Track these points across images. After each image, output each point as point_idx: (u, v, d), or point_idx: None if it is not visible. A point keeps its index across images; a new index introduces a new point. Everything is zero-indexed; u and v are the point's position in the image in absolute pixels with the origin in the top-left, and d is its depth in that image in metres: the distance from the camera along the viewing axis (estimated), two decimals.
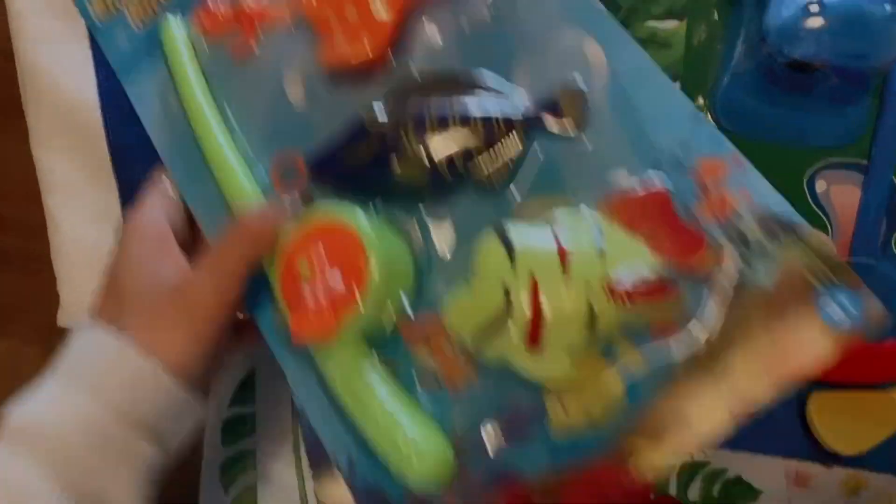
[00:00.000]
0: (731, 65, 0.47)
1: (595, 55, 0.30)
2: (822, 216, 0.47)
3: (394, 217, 0.31)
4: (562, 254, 0.26)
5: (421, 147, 0.29)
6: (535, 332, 0.26)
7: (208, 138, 0.35)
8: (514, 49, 0.31)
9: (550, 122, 0.29)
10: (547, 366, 0.26)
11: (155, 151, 0.37)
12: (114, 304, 0.32)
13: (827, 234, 0.46)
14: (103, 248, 0.38)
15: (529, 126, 0.29)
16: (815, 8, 0.40)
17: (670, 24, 0.48)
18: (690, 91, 0.47)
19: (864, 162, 0.47)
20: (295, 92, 0.35)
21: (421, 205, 0.30)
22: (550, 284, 0.26)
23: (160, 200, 0.35)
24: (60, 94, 0.42)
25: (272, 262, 0.32)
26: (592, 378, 0.26)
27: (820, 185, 0.47)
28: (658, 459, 0.25)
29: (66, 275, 0.42)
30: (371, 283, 0.28)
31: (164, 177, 0.36)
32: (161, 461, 0.32)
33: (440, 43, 0.32)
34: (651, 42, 0.48)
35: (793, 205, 0.28)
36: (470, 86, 0.30)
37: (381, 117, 0.30)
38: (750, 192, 0.27)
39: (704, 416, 0.25)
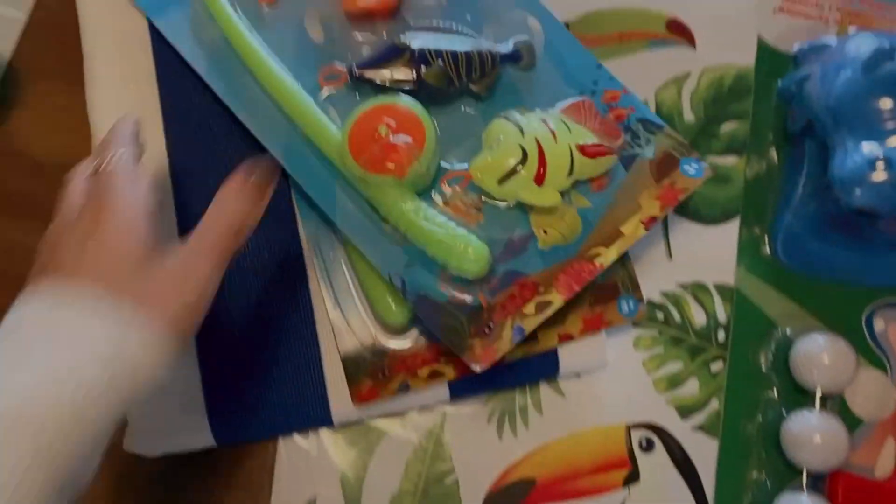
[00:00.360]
0: (793, 204, 0.45)
1: (535, 26, 0.45)
2: (881, 354, 0.45)
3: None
4: (550, 130, 0.41)
5: (440, 61, 0.42)
6: (540, 177, 0.41)
7: (257, 63, 0.43)
8: (480, 18, 0.45)
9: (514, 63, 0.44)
10: (546, 196, 0.41)
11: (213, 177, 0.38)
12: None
13: (886, 371, 0.44)
14: (175, 374, 0.37)
15: (502, 61, 0.43)
16: (880, 163, 0.39)
17: (730, 160, 0.47)
18: (749, 222, 0.46)
19: None
20: (314, 32, 0.44)
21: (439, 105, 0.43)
22: (548, 146, 0.41)
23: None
24: None
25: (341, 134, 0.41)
26: (561, 211, 0.42)
27: (878, 324, 0.45)
28: (606, 255, 0.41)
29: None
30: (427, 144, 0.40)
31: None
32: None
33: (428, 5, 0.45)
34: (712, 177, 0.45)
35: (852, 342, 0.43)
36: (461, 35, 0.44)
37: (413, 43, 0.42)
38: (634, 107, 0.44)
39: (628, 229, 0.41)
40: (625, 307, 0.44)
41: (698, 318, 0.45)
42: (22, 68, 0.47)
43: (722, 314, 0.45)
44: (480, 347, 0.40)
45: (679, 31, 0.48)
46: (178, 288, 0.32)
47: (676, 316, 0.45)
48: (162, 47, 0.44)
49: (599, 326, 0.43)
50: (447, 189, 0.42)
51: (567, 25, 0.47)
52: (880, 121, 0.41)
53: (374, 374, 0.42)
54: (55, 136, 0.45)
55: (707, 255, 0.46)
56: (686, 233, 0.46)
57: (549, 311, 0.40)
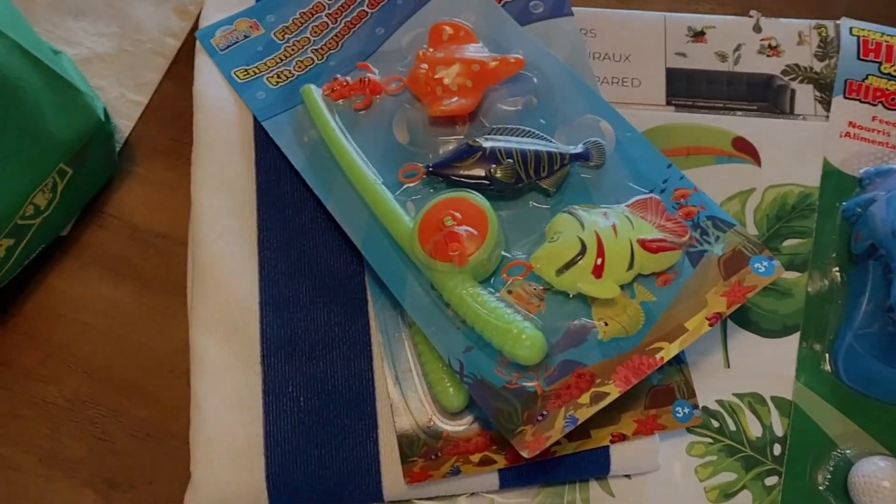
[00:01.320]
0: (855, 323, 0.45)
1: (606, 129, 0.48)
2: None
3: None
4: (612, 224, 0.43)
5: (510, 160, 0.45)
6: (599, 269, 0.42)
7: (344, 156, 0.48)
8: (554, 122, 0.48)
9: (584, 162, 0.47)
10: (604, 289, 0.42)
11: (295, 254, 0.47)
12: None
13: None
14: (240, 434, 0.43)
15: (572, 160, 0.46)
16: None
17: (792, 276, 0.48)
18: (809, 339, 0.46)
19: None
20: (401, 133, 0.49)
21: (507, 200, 0.46)
22: (608, 239, 0.43)
23: None
24: (226, 291, 0.46)
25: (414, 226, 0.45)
26: (623, 304, 0.43)
27: None
28: (668, 349, 0.42)
29: (202, 455, 0.43)
30: (490, 236, 0.43)
31: None
32: None
33: (504, 111, 0.49)
34: (773, 290, 0.47)
35: None
36: (534, 136, 0.47)
37: (485, 143, 0.46)
38: (704, 205, 0.45)
39: (692, 324, 0.42)
40: (680, 412, 0.44)
41: (754, 429, 0.45)
42: (138, 144, 0.52)
43: (779, 428, 0.45)
44: (531, 434, 0.40)
45: (745, 150, 0.50)
46: None
47: (732, 425, 0.45)
48: (264, 142, 0.49)
49: (653, 430, 0.43)
50: (509, 278, 0.44)
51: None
52: None
53: (426, 455, 0.43)
54: (158, 209, 0.50)
55: (765, 367, 0.46)
56: (745, 343, 0.47)
57: (604, 403, 0.41)
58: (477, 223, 0.43)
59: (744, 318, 0.47)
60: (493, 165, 0.45)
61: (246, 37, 0.53)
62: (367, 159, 0.48)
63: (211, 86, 0.50)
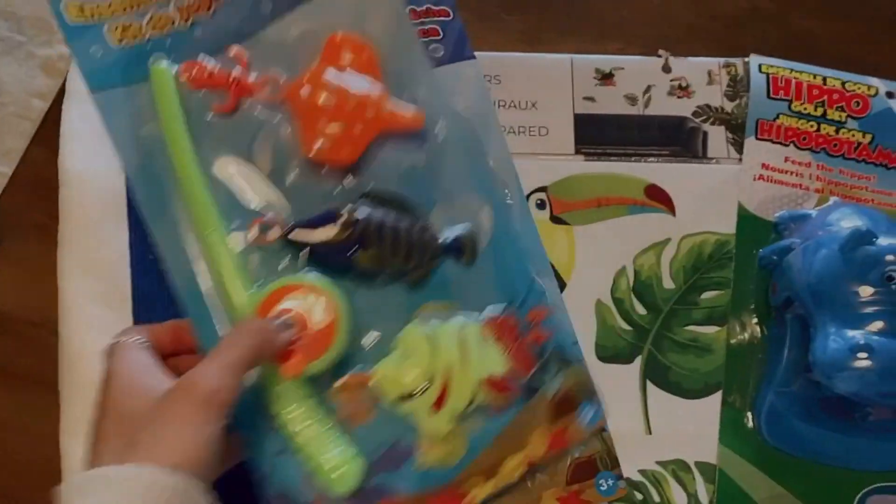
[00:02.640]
0: (776, 381, 0.44)
1: (487, 219, 0.44)
2: None
3: (349, 292, 0.40)
4: (463, 355, 0.40)
5: (378, 247, 0.40)
6: (439, 403, 0.40)
7: (187, 173, 0.40)
8: (435, 194, 0.43)
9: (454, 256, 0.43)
10: (439, 424, 0.40)
11: None
12: (119, 439, 0.33)
13: None
14: None
15: (443, 253, 0.42)
16: (863, 352, 0.38)
17: (711, 330, 0.46)
18: (732, 399, 0.45)
19: None
20: (262, 160, 0.41)
21: (366, 285, 0.41)
22: (456, 376, 0.40)
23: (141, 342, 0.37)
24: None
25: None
26: (450, 434, 0.41)
27: None
28: (482, 489, 0.41)
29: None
30: (334, 347, 0.39)
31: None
32: None
33: (389, 169, 0.43)
34: (692, 347, 0.46)
35: None
36: (411, 212, 0.42)
37: (356, 215, 0.40)
38: (554, 331, 0.43)
39: (509, 466, 0.41)
40: (604, 485, 0.42)
41: (679, 499, 0.43)
42: (4, 220, 0.47)
43: (704, 495, 0.43)
44: None
45: (658, 198, 0.48)
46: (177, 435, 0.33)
47: (656, 496, 0.43)
48: (136, 215, 0.43)
49: (564, 442, 0.42)
50: (343, 381, 0.40)
51: (545, 189, 0.48)
52: (860, 305, 0.40)
53: None
54: (27, 293, 0.45)
55: (688, 430, 0.44)
56: (666, 406, 0.44)
57: None
58: (324, 326, 0.39)
59: (663, 379, 0.45)
60: (360, 249, 0.40)
61: None
62: (215, 186, 0.40)
63: (77, 155, 0.45)
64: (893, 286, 0.40)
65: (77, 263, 0.43)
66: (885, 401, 0.40)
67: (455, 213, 0.43)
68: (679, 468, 0.44)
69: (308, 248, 0.40)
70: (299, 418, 0.38)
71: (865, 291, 0.40)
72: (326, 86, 0.41)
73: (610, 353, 0.45)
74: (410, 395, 0.40)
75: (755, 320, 0.46)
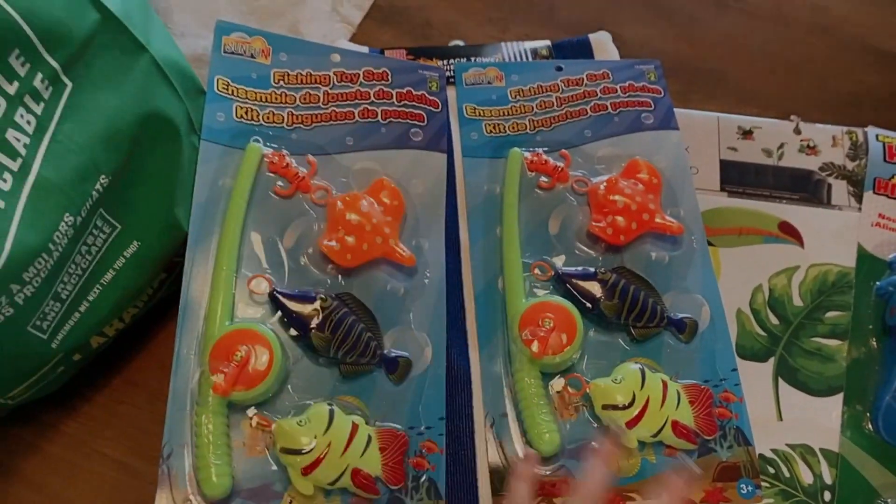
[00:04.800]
0: (892, 387, 0.52)
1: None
2: None
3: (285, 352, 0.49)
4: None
5: (331, 334, 0.48)
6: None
7: (233, 221, 0.50)
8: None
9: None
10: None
11: None
12: None
13: None
14: None
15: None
16: None
17: (834, 343, 0.55)
18: (852, 400, 0.52)
19: None
20: (288, 238, 0.52)
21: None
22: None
23: None
24: None
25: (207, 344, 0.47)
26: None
27: None
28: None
29: None
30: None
31: None
32: None
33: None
34: (817, 355, 0.54)
35: None
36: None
37: (329, 302, 0.49)
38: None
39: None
40: (744, 489, 0.48)
41: (806, 477, 0.50)
42: None
43: (828, 476, 0.50)
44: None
45: (789, 232, 0.58)
46: None
47: (786, 472, 0.50)
48: None
49: (719, 501, 0.48)
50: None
51: None
52: None
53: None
54: None
55: (814, 422, 0.52)
56: (795, 400, 0.52)
57: None
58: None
59: (793, 378, 0.53)
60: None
61: (252, 56, 0.55)
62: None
63: None
64: None
65: None
66: None
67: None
68: (806, 451, 0.51)
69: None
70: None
71: None
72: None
73: (748, 353, 0.54)
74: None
75: (873, 339, 0.54)
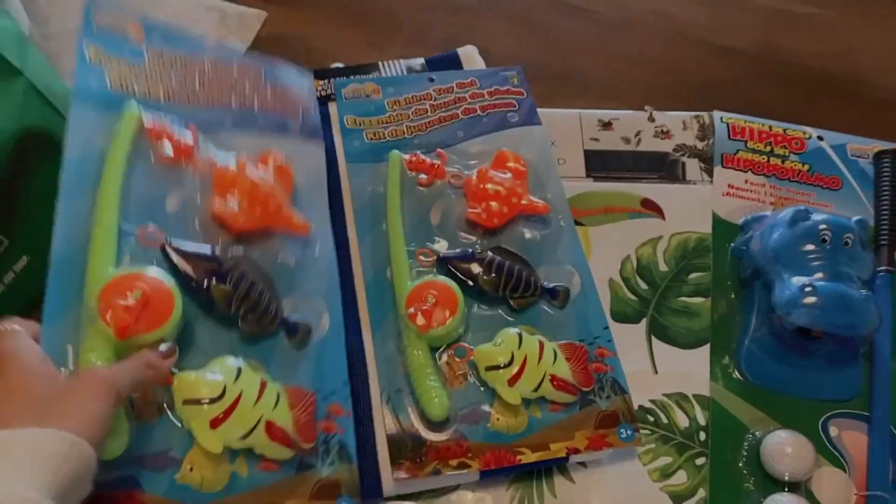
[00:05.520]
0: (750, 331, 0.57)
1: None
2: (839, 456, 0.53)
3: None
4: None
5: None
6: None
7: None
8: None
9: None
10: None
11: None
12: (31, 413, 0.37)
13: (844, 471, 0.53)
14: None
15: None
16: (808, 289, 0.52)
17: (698, 300, 0.60)
18: (718, 350, 0.58)
19: (866, 413, 0.55)
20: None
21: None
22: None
23: (26, 332, 0.42)
24: None
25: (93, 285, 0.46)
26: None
27: (833, 431, 0.55)
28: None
29: None
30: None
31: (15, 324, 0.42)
32: None
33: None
34: (684, 312, 0.59)
35: (815, 445, 0.53)
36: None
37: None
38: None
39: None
40: (623, 433, 0.52)
41: (682, 421, 0.55)
42: None
43: (701, 419, 0.55)
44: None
45: (651, 207, 0.64)
46: (83, 408, 0.39)
47: (664, 419, 0.55)
48: None
49: (602, 446, 0.52)
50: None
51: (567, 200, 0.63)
52: (806, 261, 0.54)
53: (413, 458, 0.51)
54: None
55: (686, 372, 0.57)
56: (668, 354, 0.57)
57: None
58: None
59: (664, 335, 0.58)
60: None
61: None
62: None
63: None
64: (827, 245, 0.54)
65: None
66: (831, 329, 0.53)
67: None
68: (681, 399, 0.56)
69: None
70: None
71: (808, 249, 0.54)
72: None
73: (622, 317, 0.59)
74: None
75: (732, 293, 0.60)
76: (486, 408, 0.52)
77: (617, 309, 0.59)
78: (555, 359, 0.53)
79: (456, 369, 0.53)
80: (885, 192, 0.63)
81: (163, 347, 0.45)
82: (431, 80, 0.67)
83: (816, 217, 0.56)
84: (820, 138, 0.68)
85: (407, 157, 0.62)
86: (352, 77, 0.67)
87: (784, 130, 0.68)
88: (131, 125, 0.53)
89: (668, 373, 0.57)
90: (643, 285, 0.60)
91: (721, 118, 0.68)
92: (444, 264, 0.57)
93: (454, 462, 0.50)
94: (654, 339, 0.58)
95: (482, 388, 0.53)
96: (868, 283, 0.55)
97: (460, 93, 0.66)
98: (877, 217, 0.63)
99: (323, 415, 0.49)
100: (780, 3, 0.79)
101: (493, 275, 0.55)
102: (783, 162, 0.66)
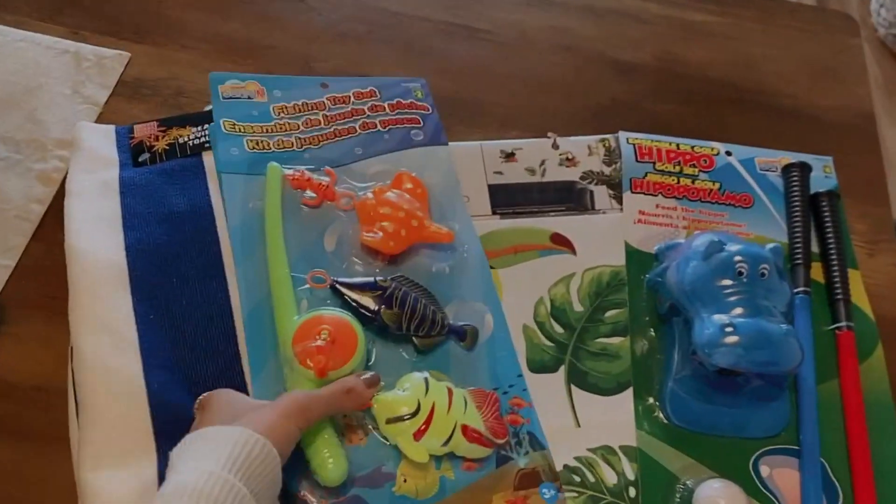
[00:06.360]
0: (672, 371, 0.54)
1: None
2: (773, 498, 0.51)
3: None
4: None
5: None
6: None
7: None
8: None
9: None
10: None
11: None
12: (219, 419, 0.43)
13: None
14: None
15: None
16: (729, 329, 0.49)
17: (616, 340, 0.57)
18: (641, 393, 0.54)
19: (796, 447, 0.53)
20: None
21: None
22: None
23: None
24: (117, 424, 0.48)
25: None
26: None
27: (764, 470, 0.52)
28: None
29: None
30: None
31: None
32: None
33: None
34: (603, 355, 0.56)
35: (743, 488, 0.50)
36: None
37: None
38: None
39: None
40: (546, 493, 0.49)
41: (610, 478, 0.51)
42: (8, 305, 0.54)
43: (630, 473, 0.51)
44: None
45: (561, 242, 0.60)
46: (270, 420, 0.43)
47: (591, 477, 0.51)
48: (136, 281, 0.52)
49: None
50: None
51: None
52: (723, 296, 0.52)
53: None
54: (32, 362, 0.52)
55: (610, 421, 0.53)
56: (589, 404, 0.53)
57: None
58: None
59: (584, 382, 0.54)
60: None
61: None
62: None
63: (81, 234, 0.53)
64: (743, 279, 0.51)
65: (89, 324, 0.50)
66: (754, 368, 0.50)
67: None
68: (607, 452, 0.52)
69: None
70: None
71: (725, 284, 0.51)
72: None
73: (538, 365, 0.55)
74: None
75: (651, 329, 0.57)
76: (389, 468, 0.47)
77: (533, 356, 0.55)
78: (465, 407, 0.49)
79: (356, 423, 0.48)
80: (797, 210, 0.61)
81: (366, 377, 0.49)
82: (325, 85, 0.62)
83: (731, 248, 0.53)
84: (728, 153, 0.65)
85: (290, 172, 0.57)
86: (232, 72, 0.62)
87: (692, 148, 0.65)
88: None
89: (591, 424, 0.53)
90: (559, 329, 0.56)
91: (627, 139, 0.65)
92: (338, 294, 0.52)
93: None
94: (573, 388, 0.54)
95: (387, 443, 0.48)
96: (787, 314, 0.53)
97: (358, 104, 0.62)
98: (790, 235, 0.61)
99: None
100: (674, 12, 0.77)
101: (397, 308, 0.51)
102: (693, 182, 0.64)
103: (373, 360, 0.52)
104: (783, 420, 0.53)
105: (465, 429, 0.48)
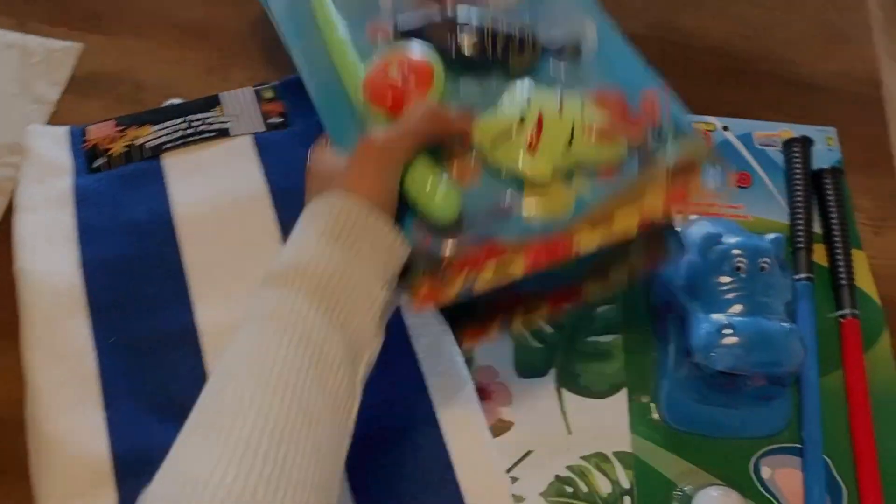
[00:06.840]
0: (668, 372, 0.51)
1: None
2: (772, 498, 0.48)
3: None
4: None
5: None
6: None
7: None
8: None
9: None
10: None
11: None
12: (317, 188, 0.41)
13: None
14: None
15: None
16: (728, 330, 0.46)
17: (608, 337, 0.53)
18: (636, 392, 0.52)
19: (798, 445, 0.50)
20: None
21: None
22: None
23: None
24: (74, 465, 0.45)
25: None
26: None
27: (765, 472, 0.50)
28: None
29: None
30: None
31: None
32: (385, 297, 0.39)
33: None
34: (595, 354, 0.53)
35: (745, 490, 0.48)
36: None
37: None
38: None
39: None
40: (709, 176, 0.43)
41: (604, 487, 0.49)
42: None
43: (625, 481, 0.49)
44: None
45: None
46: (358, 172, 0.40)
47: (584, 487, 0.49)
48: (94, 304, 0.49)
49: (683, 200, 0.42)
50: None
51: None
52: (720, 294, 0.49)
53: (431, 278, 0.41)
54: None
55: (603, 426, 0.51)
56: (581, 408, 0.51)
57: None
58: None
59: (576, 384, 0.52)
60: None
61: None
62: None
63: (35, 254, 0.50)
64: (742, 274, 0.48)
65: (43, 354, 0.47)
66: (754, 369, 0.47)
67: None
68: (600, 460, 0.49)
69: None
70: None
71: (722, 281, 0.48)
72: None
73: (528, 369, 0.52)
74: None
75: (644, 325, 0.54)
76: (514, 197, 0.42)
77: (522, 358, 0.52)
78: (582, 106, 0.43)
79: (462, 159, 0.42)
80: (798, 191, 0.57)
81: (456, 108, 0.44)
82: None
83: (729, 241, 0.49)
84: (725, 128, 0.62)
85: None
86: (190, 117, 0.57)
87: None
88: None
89: (583, 430, 0.50)
90: (548, 328, 0.54)
91: None
92: (405, 37, 0.46)
93: (489, 268, 0.41)
94: (564, 392, 0.51)
95: (503, 175, 0.42)
96: (790, 304, 0.50)
97: None
98: (791, 217, 0.57)
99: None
100: None
101: (476, 38, 0.45)
102: None
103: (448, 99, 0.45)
104: (785, 417, 0.51)
105: (588, 129, 0.42)
